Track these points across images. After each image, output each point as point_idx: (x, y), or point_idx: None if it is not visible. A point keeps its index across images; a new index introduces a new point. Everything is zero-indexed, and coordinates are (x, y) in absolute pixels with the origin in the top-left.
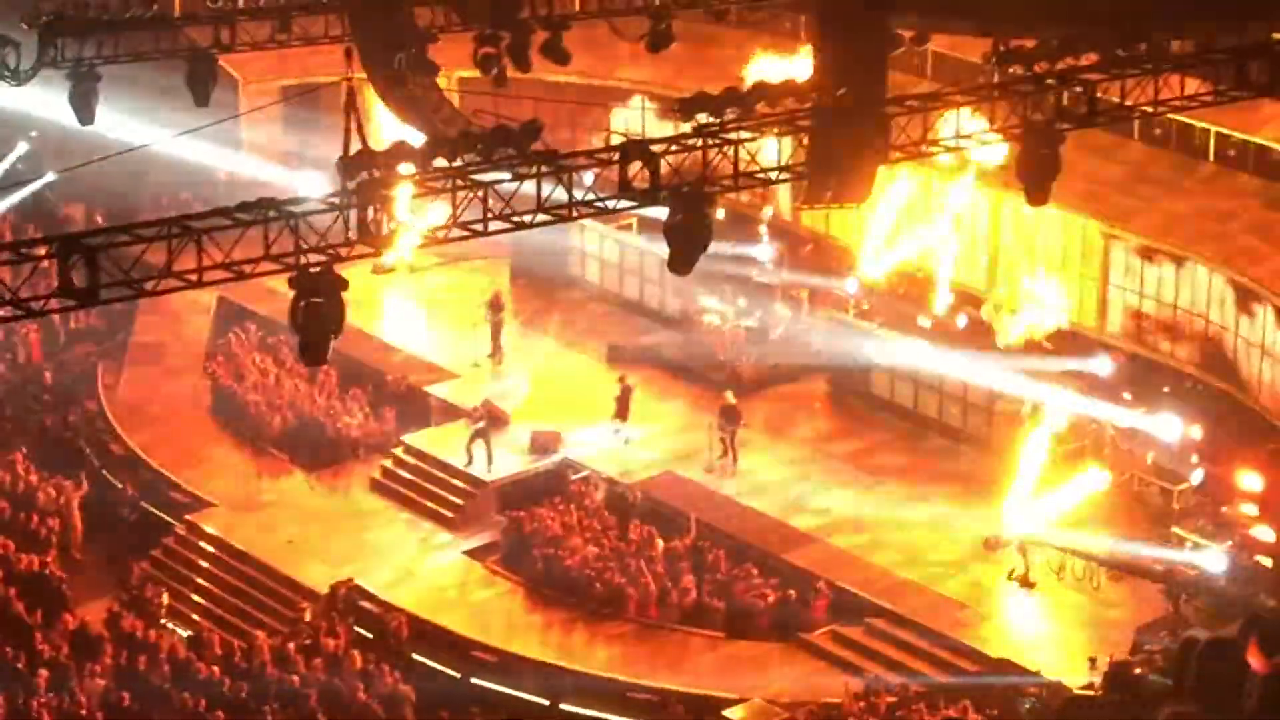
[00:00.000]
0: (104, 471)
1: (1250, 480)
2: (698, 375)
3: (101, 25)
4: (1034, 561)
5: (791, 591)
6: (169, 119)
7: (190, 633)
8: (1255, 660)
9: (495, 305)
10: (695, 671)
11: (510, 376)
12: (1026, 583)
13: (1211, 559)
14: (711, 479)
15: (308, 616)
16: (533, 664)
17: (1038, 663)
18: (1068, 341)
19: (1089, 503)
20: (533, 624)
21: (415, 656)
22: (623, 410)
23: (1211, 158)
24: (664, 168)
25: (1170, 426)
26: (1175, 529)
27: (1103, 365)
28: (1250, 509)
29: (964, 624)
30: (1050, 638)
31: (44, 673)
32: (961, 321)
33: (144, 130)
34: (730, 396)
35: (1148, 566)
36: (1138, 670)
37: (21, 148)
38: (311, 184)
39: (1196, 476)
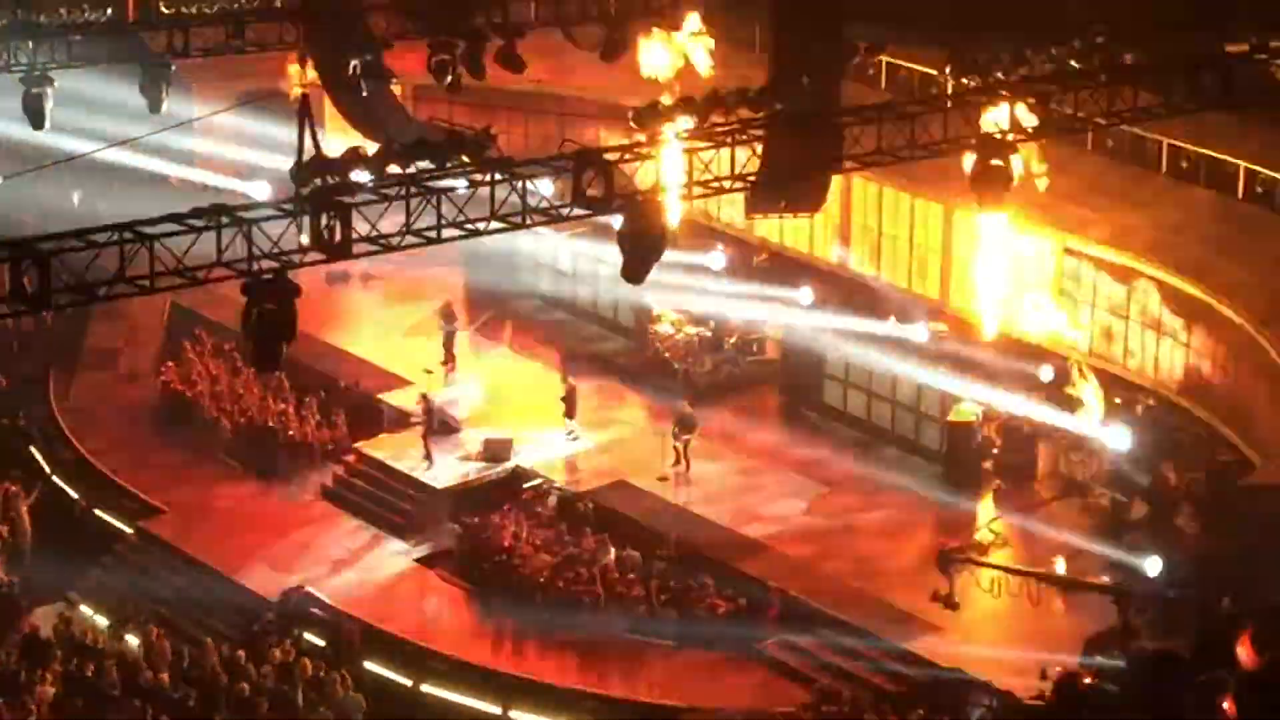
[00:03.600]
0: (54, 477)
1: (1200, 491)
2: (651, 383)
3: (55, 30)
4: (961, 580)
5: (743, 600)
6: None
7: (140, 639)
8: (1244, 652)
9: (448, 314)
10: (647, 680)
11: (463, 384)
12: (950, 603)
13: (1160, 569)
14: (664, 487)
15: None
16: (483, 672)
17: (988, 673)
18: (1018, 349)
19: (1038, 513)
20: (484, 632)
21: (366, 664)
22: (570, 410)
23: (1164, 170)
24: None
25: (1121, 436)
26: (1125, 539)
27: (1048, 373)
28: (1199, 519)
29: (915, 634)
30: (1000, 648)
31: None
32: (922, 331)
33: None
34: (686, 404)
35: (1095, 580)
36: (1087, 681)
37: None
38: (264, 190)
39: (1146, 486)
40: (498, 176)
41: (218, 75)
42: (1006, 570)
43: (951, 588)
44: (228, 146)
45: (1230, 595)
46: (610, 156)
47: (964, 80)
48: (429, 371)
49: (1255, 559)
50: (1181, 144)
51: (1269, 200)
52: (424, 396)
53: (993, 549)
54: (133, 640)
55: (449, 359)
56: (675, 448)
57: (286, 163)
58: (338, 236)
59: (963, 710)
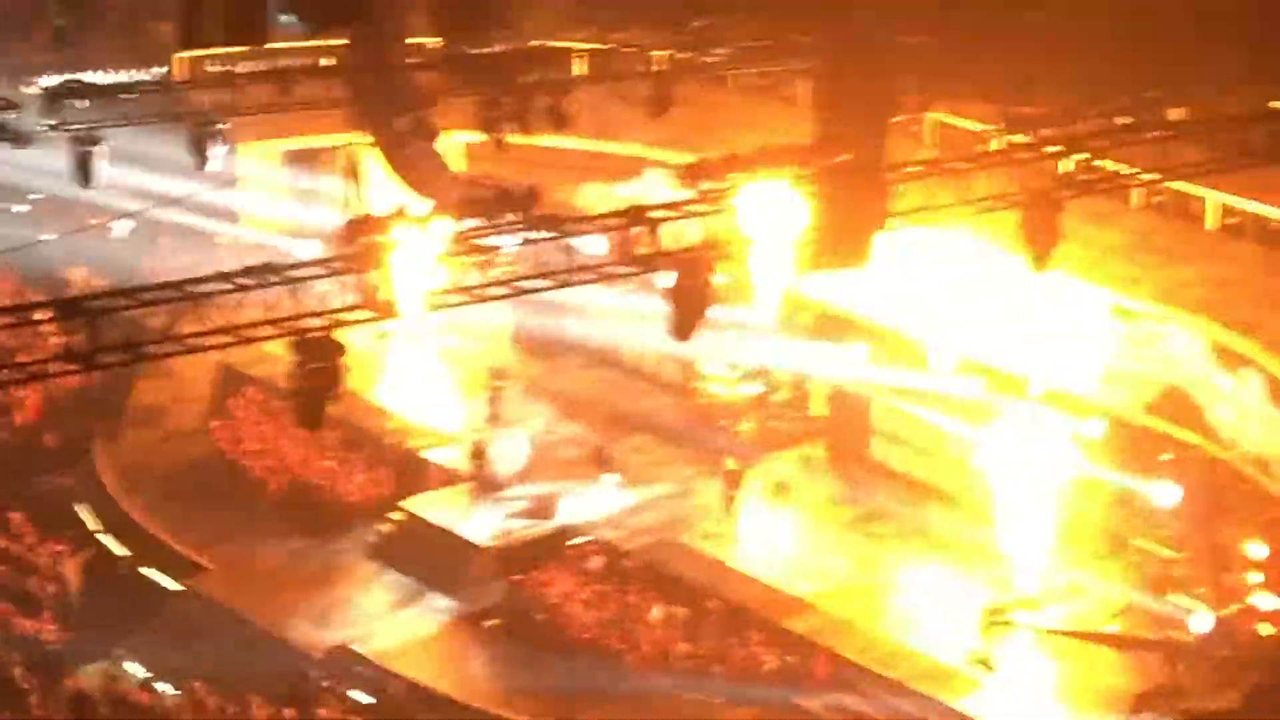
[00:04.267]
0: (101, 535)
1: (1254, 548)
2: (697, 441)
3: (104, 90)
4: (1000, 642)
5: (790, 658)
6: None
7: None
8: None
9: (496, 375)
10: None
11: (509, 440)
12: (986, 666)
13: (1210, 626)
14: (711, 544)
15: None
16: None
17: None
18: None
19: (1086, 570)
20: (529, 690)
21: None
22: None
23: (1211, 225)
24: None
25: (1167, 493)
26: (1172, 596)
27: (1097, 429)
28: (1254, 577)
29: (964, 692)
30: (1047, 706)
31: None
32: (970, 387)
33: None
34: (731, 462)
35: (1143, 637)
36: None
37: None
38: (314, 249)
39: (1198, 544)
40: (546, 234)
41: (266, 133)
42: (1049, 631)
43: (990, 649)
44: (276, 204)
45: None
46: (658, 214)
47: (1012, 138)
48: (477, 431)
49: None
50: (1229, 197)
51: None
52: (476, 445)
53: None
54: (178, 698)
55: (495, 416)
56: (726, 503)
57: (334, 220)
58: (385, 294)
59: None
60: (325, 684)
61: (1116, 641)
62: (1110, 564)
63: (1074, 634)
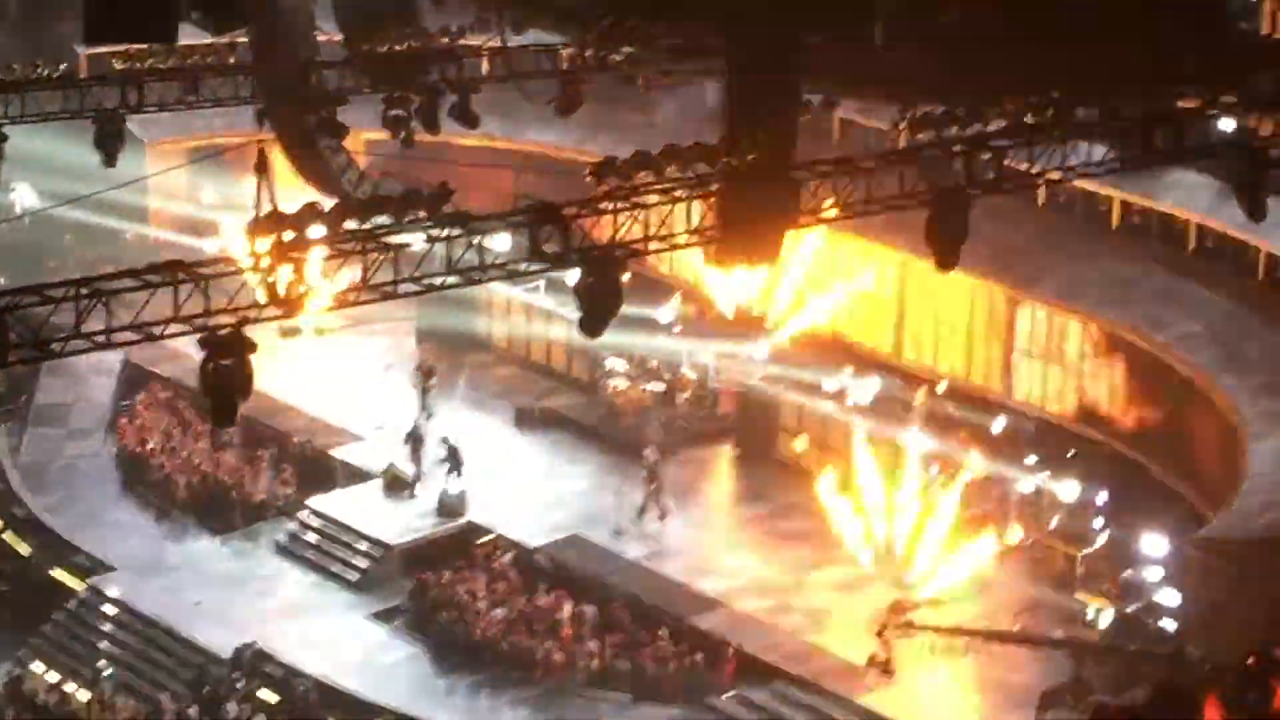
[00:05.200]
0: (5, 534)
1: (1154, 545)
2: (605, 438)
3: (8, 85)
4: (900, 644)
5: (699, 655)
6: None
7: (93, 697)
8: (1212, 713)
9: (425, 372)
10: None
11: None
12: (887, 670)
13: (1114, 623)
14: (618, 542)
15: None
16: None
17: None
18: (973, 404)
19: (991, 567)
20: (438, 688)
21: None
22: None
23: (1116, 224)
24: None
25: (1074, 490)
26: (1078, 593)
27: (1001, 427)
28: (1155, 573)
29: (871, 689)
30: (955, 702)
31: None
32: (871, 388)
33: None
34: (651, 453)
35: (1046, 635)
36: None
37: None
38: (219, 246)
39: (1101, 541)
40: (454, 231)
41: (171, 130)
42: (951, 632)
43: (889, 654)
44: (182, 202)
45: (1193, 644)
46: (567, 212)
47: (919, 135)
48: (380, 428)
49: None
50: (1133, 199)
51: (1219, 255)
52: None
53: (943, 604)
54: (84, 699)
55: (426, 414)
56: (649, 494)
57: (242, 218)
58: (293, 292)
59: None
60: (233, 683)
61: (1023, 639)
62: (1015, 561)
63: (979, 633)
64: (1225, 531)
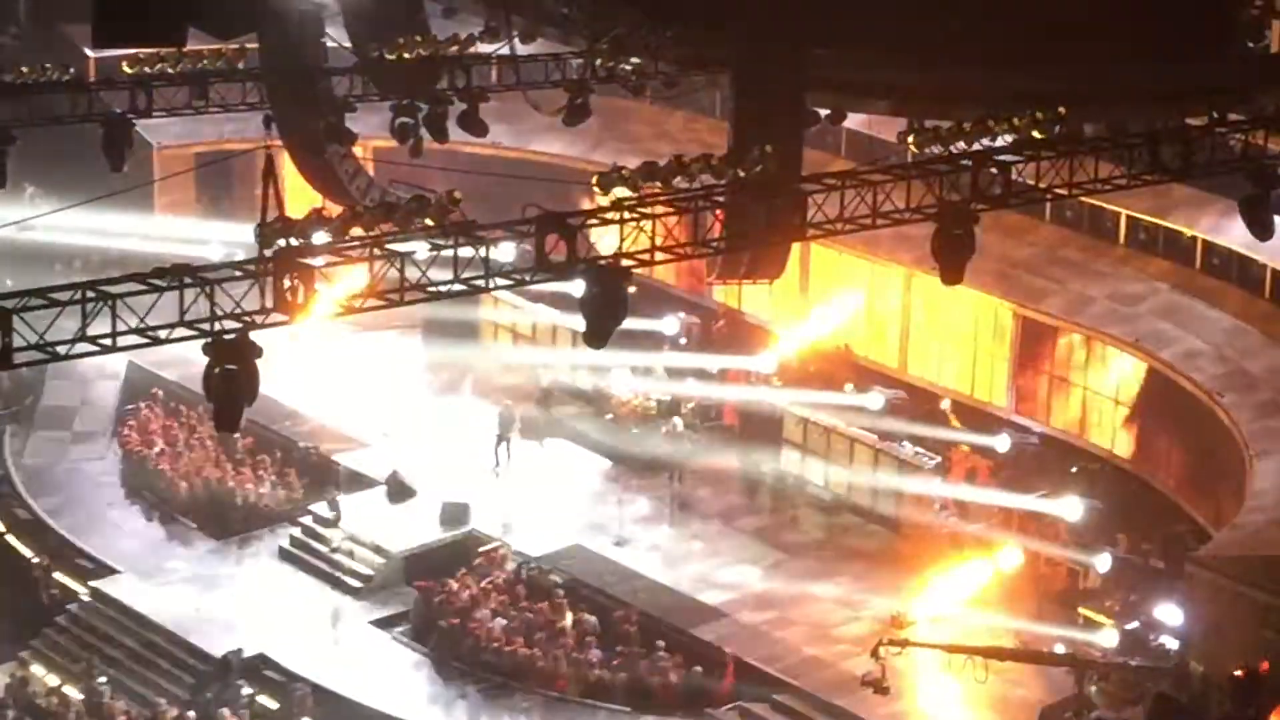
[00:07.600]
0: (9, 536)
1: (1157, 562)
2: (609, 449)
3: (16, 88)
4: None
5: (698, 667)
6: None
7: (95, 700)
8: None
9: (508, 418)
10: None
11: (424, 447)
12: (880, 689)
13: (1117, 640)
14: (621, 552)
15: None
16: None
17: None
18: (976, 420)
19: (994, 583)
20: (439, 696)
21: None
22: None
23: (1123, 241)
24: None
25: (1076, 508)
26: (1081, 609)
27: (1004, 443)
28: (1157, 590)
29: (870, 702)
30: (955, 716)
31: None
32: (877, 400)
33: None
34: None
35: (1047, 651)
36: None
37: None
38: (227, 251)
39: (1104, 560)
40: (461, 240)
41: (182, 135)
42: (950, 648)
43: (883, 672)
44: (191, 206)
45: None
46: (573, 221)
47: (926, 149)
48: (386, 435)
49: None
50: (1140, 215)
51: (1226, 271)
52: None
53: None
54: (84, 702)
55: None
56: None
57: (248, 224)
58: (300, 297)
59: None
60: (235, 689)
61: (1023, 655)
62: (1017, 577)
63: (979, 650)
64: (1228, 548)
